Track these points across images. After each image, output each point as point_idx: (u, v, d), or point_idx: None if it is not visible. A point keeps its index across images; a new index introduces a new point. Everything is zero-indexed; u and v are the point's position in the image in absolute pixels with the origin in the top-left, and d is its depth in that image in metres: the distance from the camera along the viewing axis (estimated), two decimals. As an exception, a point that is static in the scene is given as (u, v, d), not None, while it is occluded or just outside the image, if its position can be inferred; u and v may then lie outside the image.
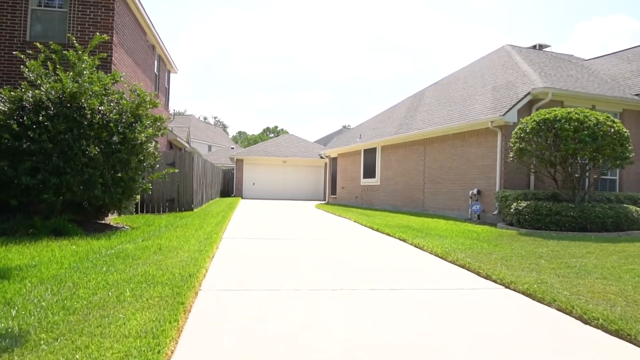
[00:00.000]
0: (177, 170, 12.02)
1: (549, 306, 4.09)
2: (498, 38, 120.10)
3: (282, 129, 79.54)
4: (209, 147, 52.45)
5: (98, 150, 7.72)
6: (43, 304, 3.45)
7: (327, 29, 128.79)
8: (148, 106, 8.77)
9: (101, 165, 7.90)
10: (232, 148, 46.05)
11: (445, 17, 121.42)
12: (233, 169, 30.29)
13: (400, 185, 16.95)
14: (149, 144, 8.81)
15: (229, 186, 30.38)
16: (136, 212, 12.72)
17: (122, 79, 9.01)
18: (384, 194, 18.13)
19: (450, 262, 6.18)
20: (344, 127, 43.82)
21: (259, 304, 3.87)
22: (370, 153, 19.43)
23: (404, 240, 8.07)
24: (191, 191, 13.59)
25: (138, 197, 9.64)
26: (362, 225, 10.79)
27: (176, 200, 13.39)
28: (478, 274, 5.44)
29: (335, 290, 4.45)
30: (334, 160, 24.12)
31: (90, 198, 7.98)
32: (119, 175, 8.20)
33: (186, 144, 23.08)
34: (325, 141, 41.80)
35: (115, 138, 7.98)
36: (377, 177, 18.66)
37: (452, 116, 14.40)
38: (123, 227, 9.34)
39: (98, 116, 7.91)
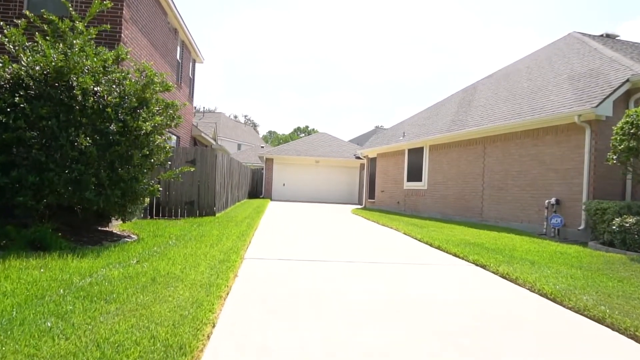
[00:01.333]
0: (193, 169, 10.30)
1: None
2: (536, 39, 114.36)
3: (313, 129, 77.67)
4: (239, 146, 51.48)
5: (91, 141, 6.06)
6: None
7: (357, 30, 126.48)
8: (158, 88, 7.05)
9: (95, 160, 6.23)
10: (262, 147, 44.68)
11: (479, 18, 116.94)
12: (262, 169, 28.65)
13: (452, 190, 14.75)
14: (158, 136, 7.11)
15: (258, 187, 28.76)
16: (150, 215, 11.11)
17: (128, 56, 7.33)
18: (432, 200, 15.95)
19: (571, 310, 4.19)
20: (377, 127, 41.57)
21: None
22: (415, 153, 17.27)
23: (484, 267, 6.05)
24: (213, 193, 11.88)
25: (147, 200, 7.97)
26: (416, 239, 8.77)
27: (196, 202, 11.70)
28: (635, 338, 3.43)
29: (428, 381, 2.53)
30: (372, 161, 22.03)
31: (81, 201, 6.32)
32: (119, 173, 6.52)
33: (212, 141, 21.57)
34: (358, 141, 39.72)
35: (113, 127, 6.29)
36: (424, 180, 16.48)
37: (519, 110, 12.15)
38: (128, 236, 7.73)
39: (92, 99, 6.23)
